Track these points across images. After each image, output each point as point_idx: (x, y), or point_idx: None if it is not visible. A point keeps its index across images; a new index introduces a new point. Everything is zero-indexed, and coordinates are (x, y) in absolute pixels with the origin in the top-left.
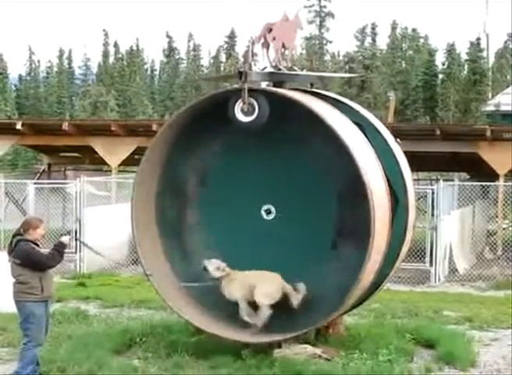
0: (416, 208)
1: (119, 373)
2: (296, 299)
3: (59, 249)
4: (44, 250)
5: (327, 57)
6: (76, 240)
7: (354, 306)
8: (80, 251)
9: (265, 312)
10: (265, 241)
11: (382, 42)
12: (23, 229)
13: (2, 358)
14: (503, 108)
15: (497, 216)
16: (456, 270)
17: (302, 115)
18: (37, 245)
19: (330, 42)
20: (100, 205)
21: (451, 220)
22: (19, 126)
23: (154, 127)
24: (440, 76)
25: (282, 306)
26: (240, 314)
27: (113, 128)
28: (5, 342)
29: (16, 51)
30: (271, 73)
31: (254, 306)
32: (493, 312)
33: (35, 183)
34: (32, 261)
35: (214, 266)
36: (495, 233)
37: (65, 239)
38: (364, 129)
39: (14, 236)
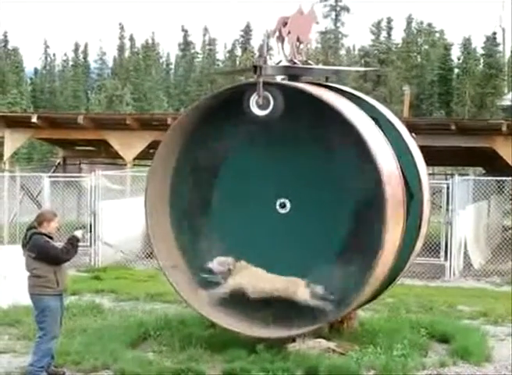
0: (431, 203)
1: (134, 366)
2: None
3: (73, 243)
4: (58, 243)
5: (342, 51)
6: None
7: (368, 301)
8: (94, 244)
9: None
10: (279, 234)
11: (398, 36)
12: (37, 222)
13: (17, 351)
14: None
15: None
16: (471, 265)
17: (318, 109)
18: (52, 238)
19: (345, 36)
20: (115, 198)
21: (466, 215)
22: (34, 120)
23: (169, 121)
24: (456, 70)
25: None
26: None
27: (128, 122)
28: (20, 335)
29: (31, 45)
30: (286, 67)
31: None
32: (508, 307)
33: (50, 177)
34: (47, 255)
35: (216, 263)
36: (510, 228)
37: (78, 233)
38: (380, 123)
39: (28, 229)
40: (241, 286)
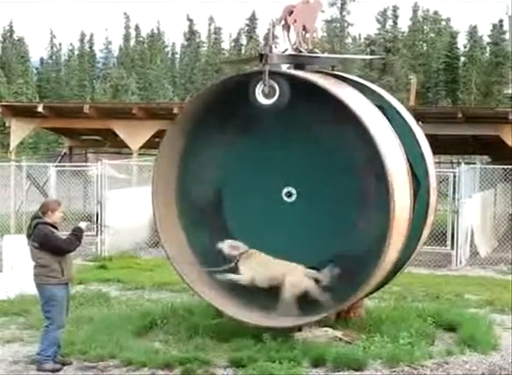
0: (437, 192)
1: (140, 355)
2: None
3: (77, 234)
4: (63, 233)
5: (348, 40)
6: (96, 224)
7: (375, 289)
8: (100, 234)
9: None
10: (286, 223)
11: (404, 25)
12: (42, 211)
13: (24, 340)
14: None
15: None
16: (478, 253)
17: (323, 97)
18: (56, 228)
19: (351, 25)
20: (121, 188)
21: (473, 203)
22: (40, 109)
23: (175, 110)
24: (462, 58)
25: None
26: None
27: (134, 111)
28: (27, 324)
29: (37, 35)
30: (292, 56)
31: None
32: None
33: (56, 166)
34: (50, 245)
35: (227, 245)
36: None
37: (83, 224)
38: (386, 112)
39: (33, 219)
40: (253, 276)
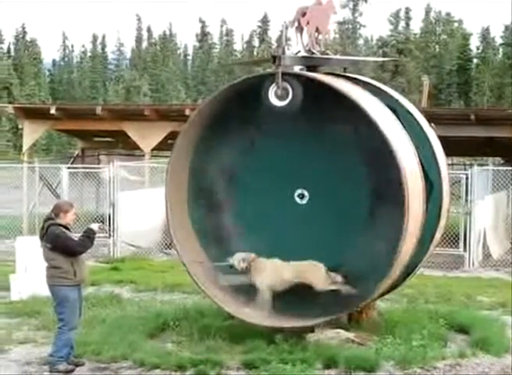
0: (450, 193)
1: (153, 357)
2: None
3: (89, 236)
4: (75, 235)
5: (360, 41)
6: (109, 225)
7: (388, 291)
8: (113, 235)
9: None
10: (299, 225)
11: (416, 26)
12: (54, 213)
13: (37, 342)
14: None
15: None
16: (490, 255)
17: (335, 99)
18: (68, 229)
19: (363, 26)
20: (133, 189)
21: (485, 205)
22: (53, 111)
23: (187, 112)
24: (474, 60)
25: (315, 290)
26: (258, 299)
27: (146, 113)
28: (40, 325)
29: (49, 37)
30: (304, 58)
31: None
32: None
33: (69, 168)
34: (62, 246)
35: (237, 260)
36: None
37: (94, 226)
38: (398, 113)
39: (45, 220)
40: (270, 285)
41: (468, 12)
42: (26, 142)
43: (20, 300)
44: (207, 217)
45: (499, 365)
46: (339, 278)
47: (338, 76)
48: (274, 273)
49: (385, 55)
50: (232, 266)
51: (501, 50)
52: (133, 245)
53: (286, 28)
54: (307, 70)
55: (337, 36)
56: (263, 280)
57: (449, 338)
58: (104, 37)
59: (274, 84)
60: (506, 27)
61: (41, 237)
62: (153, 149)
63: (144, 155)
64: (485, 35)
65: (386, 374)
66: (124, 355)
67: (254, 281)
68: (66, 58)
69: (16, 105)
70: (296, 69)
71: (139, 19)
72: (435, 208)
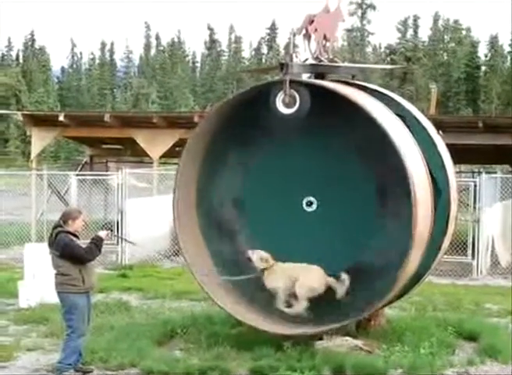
0: (458, 201)
1: (161, 364)
2: (340, 290)
3: (97, 243)
4: (84, 242)
5: (368, 49)
6: (118, 237)
7: (396, 298)
8: (121, 242)
9: (303, 305)
10: (307, 232)
11: (424, 34)
12: (63, 220)
13: (45, 349)
14: None
15: None
16: (499, 263)
17: (343, 106)
18: (77, 237)
19: (372, 34)
20: (141, 196)
21: (493, 213)
22: (61, 118)
23: (196, 119)
24: (483, 68)
25: (323, 298)
26: (277, 303)
27: (155, 120)
28: (48, 332)
29: (58, 44)
30: (312, 65)
31: (294, 297)
32: None
33: (77, 175)
34: (70, 254)
35: (258, 257)
36: None
37: (102, 234)
38: (407, 121)
39: (54, 228)
40: (282, 285)
41: (476, 20)
42: (35, 149)
43: (28, 307)
44: (216, 225)
45: (507, 372)
46: (335, 283)
47: (346, 83)
48: (285, 275)
49: (393, 62)
50: (249, 259)
51: (509, 58)
52: (134, 243)
53: (294, 35)
54: (315, 78)
55: (345, 43)
56: (273, 282)
57: (458, 346)
58: (112, 45)
59: (282, 92)
60: None
61: (50, 245)
62: (161, 156)
63: (152, 163)
64: (494, 43)
65: None
66: (132, 363)
67: (265, 282)
68: (75, 66)
69: (25, 113)
70: (305, 76)
71: (147, 27)
72: (443, 216)
